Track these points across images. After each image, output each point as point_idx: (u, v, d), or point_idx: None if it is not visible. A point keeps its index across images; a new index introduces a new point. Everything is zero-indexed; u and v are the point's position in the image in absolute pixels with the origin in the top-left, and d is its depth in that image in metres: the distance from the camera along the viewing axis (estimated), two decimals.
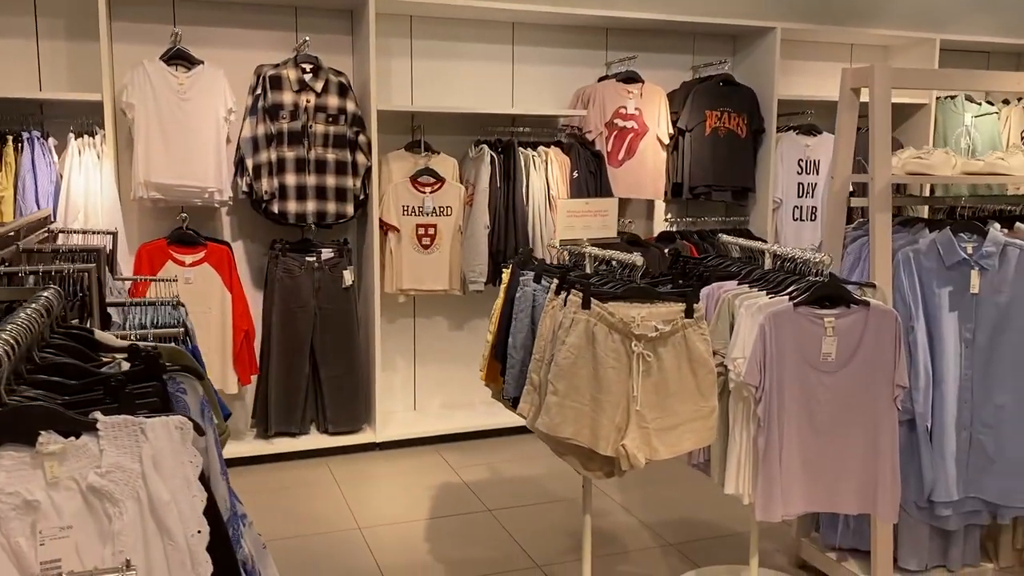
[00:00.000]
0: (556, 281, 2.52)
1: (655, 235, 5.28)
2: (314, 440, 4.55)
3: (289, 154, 4.29)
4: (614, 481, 4.17)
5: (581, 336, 2.38)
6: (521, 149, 4.69)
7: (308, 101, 4.31)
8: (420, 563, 3.38)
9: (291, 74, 4.30)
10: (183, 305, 2.86)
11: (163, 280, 2.99)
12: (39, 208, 3.78)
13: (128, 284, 3.27)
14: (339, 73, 4.41)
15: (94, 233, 3.07)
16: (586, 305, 2.38)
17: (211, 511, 1.34)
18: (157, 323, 2.43)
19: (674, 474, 4.33)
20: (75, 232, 3.04)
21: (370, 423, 4.66)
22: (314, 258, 4.43)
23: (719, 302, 2.78)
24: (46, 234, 2.86)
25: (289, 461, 4.46)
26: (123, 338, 1.84)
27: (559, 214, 2.78)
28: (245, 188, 4.29)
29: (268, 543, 3.54)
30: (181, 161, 4.09)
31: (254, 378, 4.48)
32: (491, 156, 4.62)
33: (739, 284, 2.85)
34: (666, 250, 4.79)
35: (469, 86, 4.91)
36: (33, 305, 1.36)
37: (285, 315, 4.41)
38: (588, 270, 2.78)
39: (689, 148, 5.10)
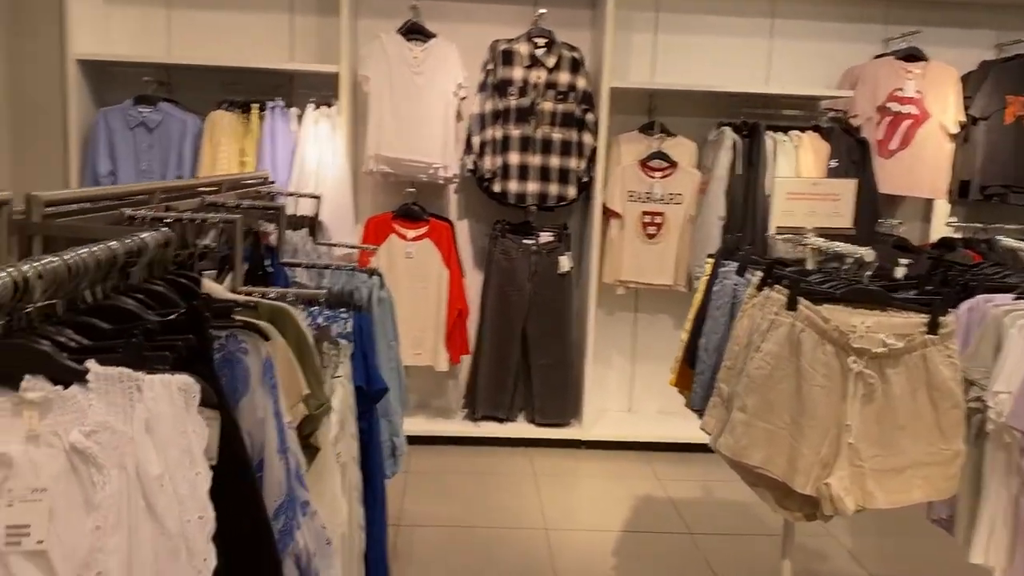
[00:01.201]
0: (760, 274, 2.09)
1: (931, 241, 4.50)
2: (520, 429, 4.38)
3: (515, 132, 4.14)
4: (845, 523, 3.57)
5: (782, 343, 1.94)
6: (769, 133, 4.18)
7: (538, 77, 4.13)
8: None
9: (523, 49, 4.14)
10: (379, 274, 2.77)
11: (361, 248, 2.93)
12: (276, 175, 3.92)
13: (336, 250, 3.25)
14: (572, 48, 4.18)
15: (301, 196, 3.08)
16: (792, 305, 1.94)
17: (247, 492, 1.14)
18: (344, 289, 2.33)
19: (925, 527, 3.64)
20: (286, 194, 3.07)
21: (578, 419, 4.40)
22: (532, 241, 4.25)
23: (985, 319, 2.19)
24: (256, 192, 2.90)
25: (492, 447, 4.32)
26: (262, 296, 1.72)
27: (775, 194, 2.34)
28: (470, 166, 4.20)
29: (448, 526, 3.41)
30: (410, 135, 4.07)
31: (465, 358, 4.39)
32: (733, 140, 4.16)
33: (1016, 299, 2.22)
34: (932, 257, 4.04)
35: (716, 63, 4.46)
36: (106, 244, 1.24)
37: (500, 297, 4.27)
38: (810, 265, 2.30)
39: (983, 140, 4.28)
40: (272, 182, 3.41)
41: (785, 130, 4.21)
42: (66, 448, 0.96)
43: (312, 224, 2.97)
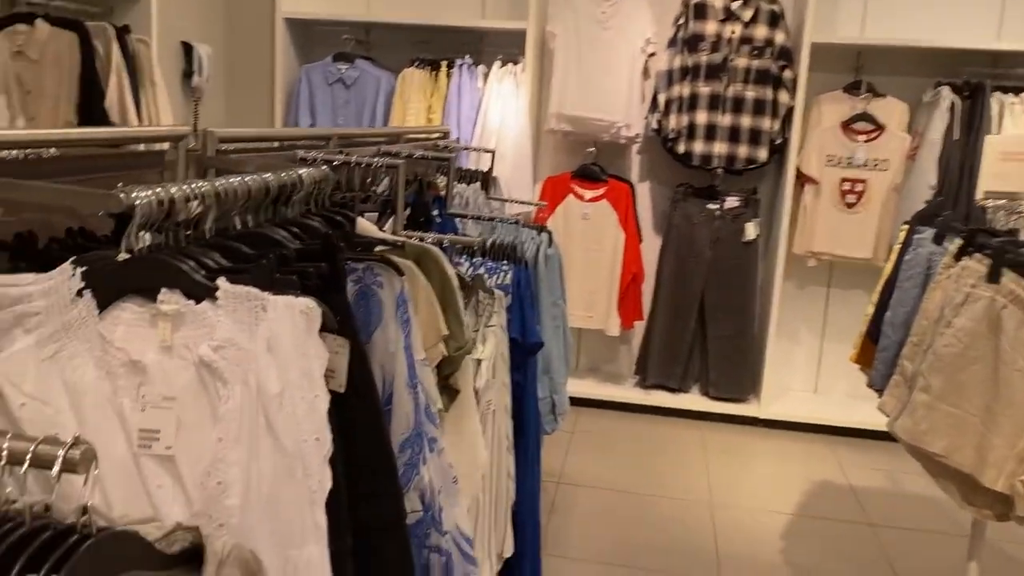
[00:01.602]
0: (959, 241, 1.86)
1: None
2: (693, 401, 4.24)
3: (704, 90, 3.95)
4: None
5: (979, 319, 1.72)
6: (996, 94, 3.74)
7: (733, 32, 3.91)
8: (764, 561, 2.92)
9: (717, 2, 3.93)
10: (548, 232, 2.75)
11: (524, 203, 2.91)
12: (460, 132, 3.98)
13: (509, 207, 3.26)
14: (772, 1, 3.92)
15: (476, 150, 3.10)
16: (994, 277, 1.71)
17: (372, 422, 1.15)
18: (507, 242, 2.33)
19: None
20: (461, 148, 3.10)
21: (756, 395, 4.19)
22: (716, 206, 4.06)
23: None
24: (433, 145, 2.95)
25: (662, 416, 4.22)
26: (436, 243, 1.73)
27: (985, 154, 2.06)
28: (654, 125, 4.06)
29: (610, 490, 3.36)
30: (594, 93, 4.00)
31: (639, 324, 4.29)
32: (951, 101, 3.76)
33: None
34: None
35: (938, 15, 4.03)
36: (260, 176, 1.28)
37: (678, 264, 4.13)
38: None
39: None
40: (454, 138, 3.46)
41: (1016, 91, 3.75)
42: (195, 361, 0.99)
43: (486, 179, 2.99)
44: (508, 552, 2.06)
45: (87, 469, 0.74)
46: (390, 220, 1.92)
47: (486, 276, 2.24)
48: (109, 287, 1.00)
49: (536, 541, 2.37)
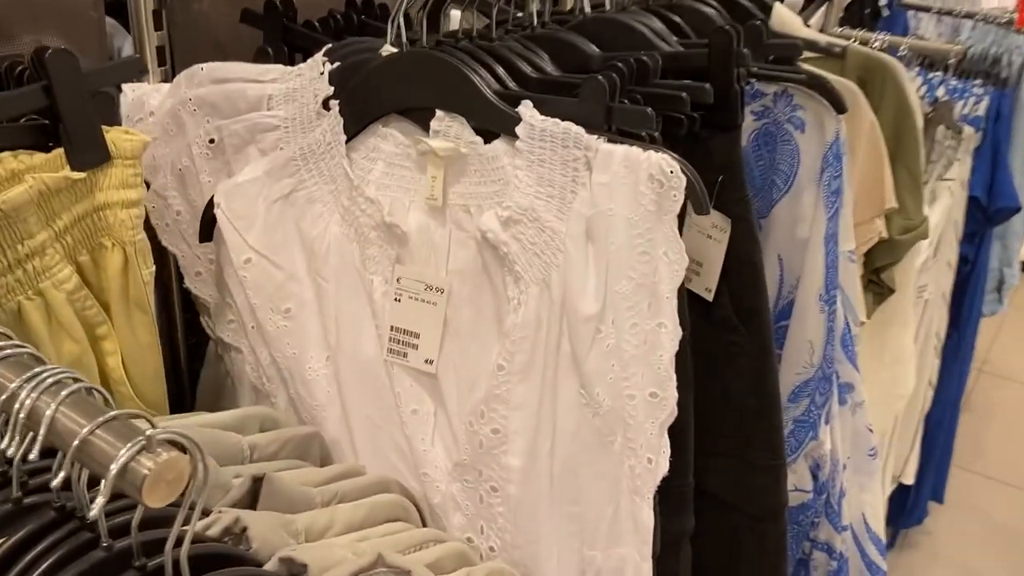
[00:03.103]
0: None
1: None
2: None
3: None
4: None
5: None
6: None
7: None
8: None
9: None
10: None
11: None
12: None
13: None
14: None
15: None
16: None
17: (752, 352, 0.71)
18: (987, 53, 1.63)
19: None
20: None
21: None
22: None
23: None
24: None
25: None
26: None
27: None
28: None
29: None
30: None
31: None
32: None
33: None
34: None
35: None
36: None
37: None
38: None
39: None
40: None
41: None
42: (476, 236, 0.61)
43: None
44: (908, 479, 1.55)
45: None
46: (821, 9, 1.34)
47: (944, 100, 1.56)
48: (366, 100, 0.64)
49: (947, 456, 1.81)
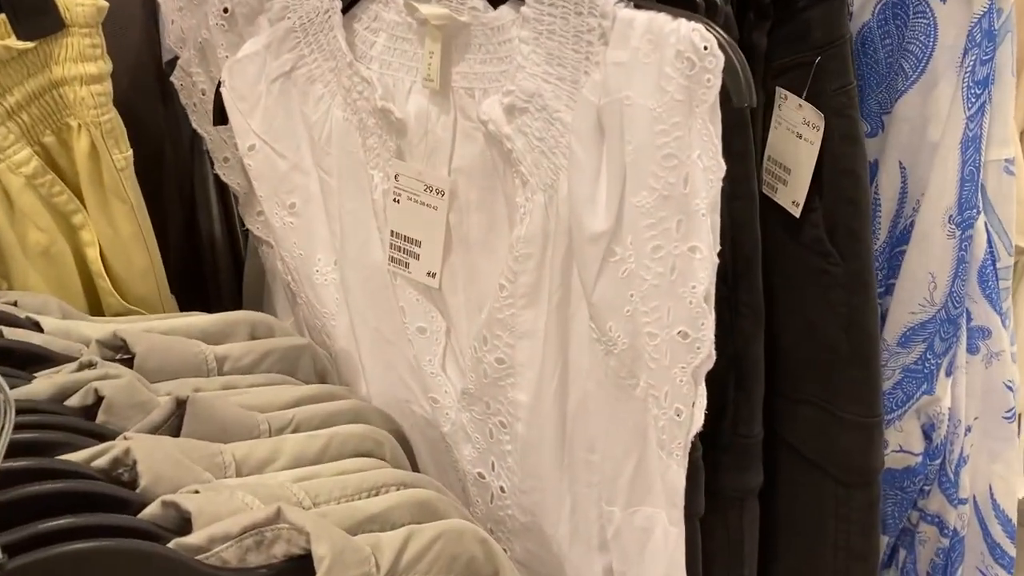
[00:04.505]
0: None
1: None
2: None
3: None
4: None
5: None
6: None
7: None
8: None
9: None
10: None
11: None
12: None
13: None
14: None
15: None
16: None
17: (849, 285, 0.56)
18: None
19: None
20: None
21: None
22: None
23: None
24: None
25: None
26: None
27: None
28: None
29: None
30: None
31: None
32: None
33: None
34: None
35: None
36: None
37: None
38: None
39: None
40: None
41: None
42: (479, 126, 0.50)
43: None
44: None
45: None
46: None
47: None
48: None
49: None
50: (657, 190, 0.44)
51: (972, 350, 0.63)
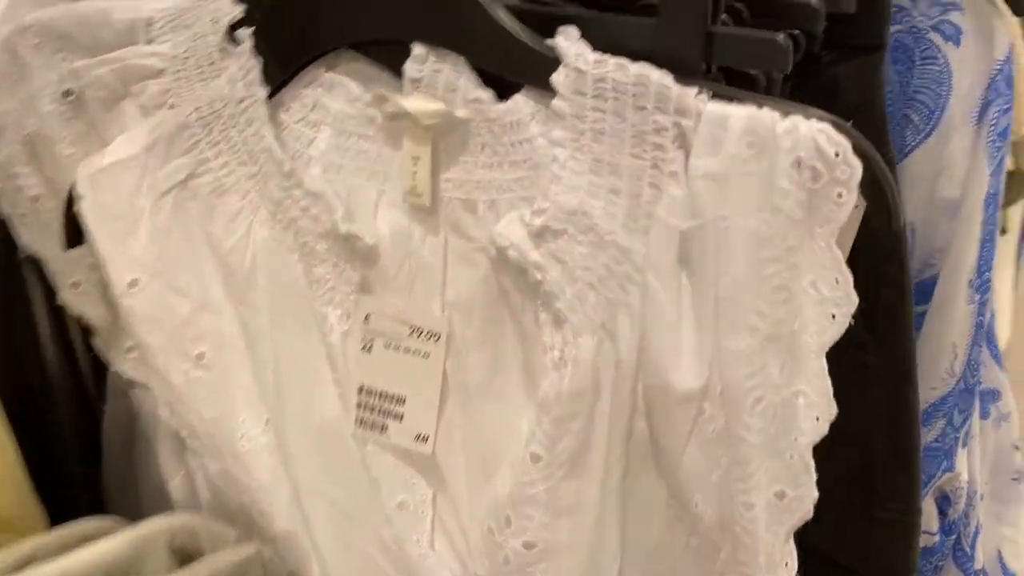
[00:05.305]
0: None
1: None
2: None
3: None
4: None
5: None
6: None
7: None
8: None
9: None
10: None
11: None
12: None
13: None
14: None
15: None
16: None
17: (889, 372, 0.49)
18: None
19: None
20: None
21: None
22: None
23: None
24: None
25: None
26: None
27: None
28: None
29: None
30: None
31: None
32: None
33: None
34: None
35: None
36: None
37: None
38: None
39: None
40: None
41: None
42: (488, 248, 0.38)
43: None
44: None
45: None
46: None
47: None
48: (298, 26, 0.39)
49: None
50: (761, 330, 0.34)
51: (983, 415, 0.59)
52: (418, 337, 0.40)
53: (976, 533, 0.60)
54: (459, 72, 0.36)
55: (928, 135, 0.51)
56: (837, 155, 0.31)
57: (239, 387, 0.45)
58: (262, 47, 0.38)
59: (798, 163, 0.31)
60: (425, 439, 0.42)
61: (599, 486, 0.39)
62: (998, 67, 0.49)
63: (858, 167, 0.31)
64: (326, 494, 0.45)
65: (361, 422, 0.42)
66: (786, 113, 0.31)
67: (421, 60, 0.36)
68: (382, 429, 0.42)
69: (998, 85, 0.49)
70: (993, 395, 0.58)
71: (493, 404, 0.41)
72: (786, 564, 0.39)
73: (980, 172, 0.50)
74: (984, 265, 0.53)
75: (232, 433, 0.46)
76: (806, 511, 0.38)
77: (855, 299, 0.33)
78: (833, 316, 0.34)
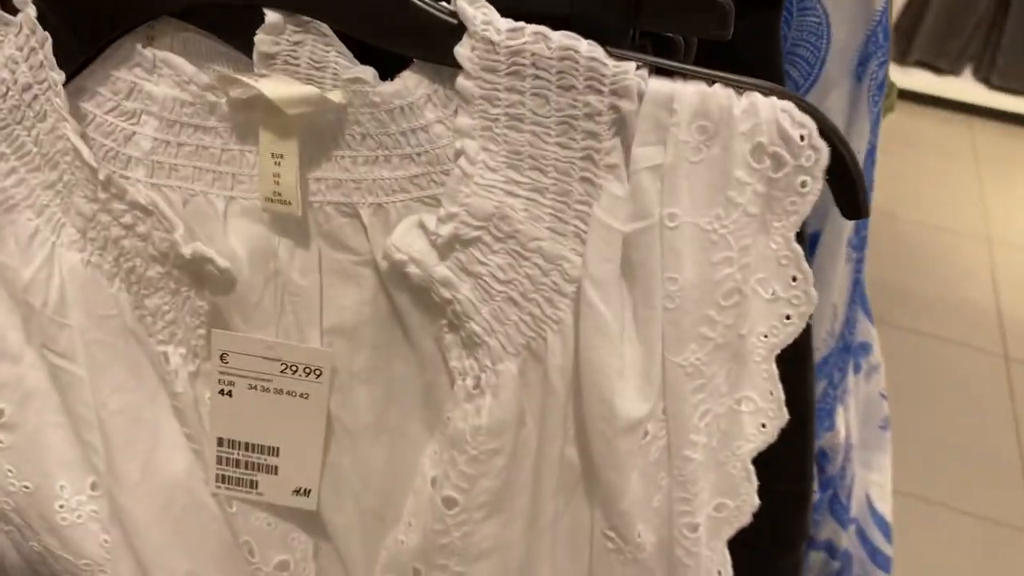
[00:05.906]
0: None
1: None
2: (962, 88, 3.25)
3: None
4: None
5: None
6: None
7: None
8: None
9: None
10: None
11: None
12: None
13: None
14: None
15: None
16: None
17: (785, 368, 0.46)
18: None
19: None
20: None
21: None
22: None
23: None
24: None
25: (922, 106, 3.28)
26: None
27: None
28: None
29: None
30: None
31: None
32: None
33: None
34: None
35: None
36: None
37: None
38: None
39: None
40: None
41: None
42: (372, 259, 0.31)
43: None
44: None
45: None
46: None
47: None
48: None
49: None
50: (711, 339, 0.29)
51: (855, 369, 0.59)
52: (293, 375, 0.32)
53: (851, 481, 0.61)
54: (327, 45, 0.28)
55: (807, 92, 0.49)
56: (802, 139, 0.26)
57: (51, 448, 0.36)
58: (51, 18, 0.28)
59: (758, 149, 0.27)
60: (307, 492, 0.34)
61: (525, 524, 0.33)
62: (876, 18, 0.47)
63: (825, 151, 0.27)
64: (179, 567, 0.37)
65: (224, 479, 0.34)
66: (741, 90, 0.27)
67: (277, 30, 0.28)
68: (251, 485, 0.34)
69: (877, 37, 0.47)
70: (865, 348, 0.58)
71: (387, 441, 0.35)
72: (719, 573, 0.36)
73: (861, 127, 0.49)
74: (862, 224, 0.52)
75: (49, 505, 0.36)
76: (745, 519, 0.35)
77: (815, 297, 0.29)
78: (788, 317, 0.30)
